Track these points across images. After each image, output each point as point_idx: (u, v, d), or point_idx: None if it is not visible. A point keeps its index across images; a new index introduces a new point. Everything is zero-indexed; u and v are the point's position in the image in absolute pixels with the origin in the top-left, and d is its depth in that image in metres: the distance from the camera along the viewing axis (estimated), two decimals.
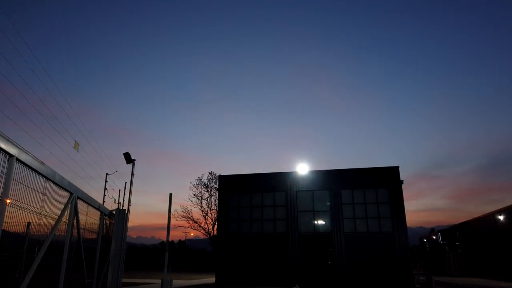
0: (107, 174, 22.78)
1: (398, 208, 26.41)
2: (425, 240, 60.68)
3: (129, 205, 21.23)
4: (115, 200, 23.27)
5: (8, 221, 6.30)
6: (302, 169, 29.01)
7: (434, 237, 54.35)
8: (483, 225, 41.21)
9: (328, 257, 26.53)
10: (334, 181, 28.01)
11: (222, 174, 31.11)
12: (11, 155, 6.32)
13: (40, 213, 7.90)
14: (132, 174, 22.68)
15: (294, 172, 28.97)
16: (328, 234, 26.88)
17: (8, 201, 6.19)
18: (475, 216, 32.28)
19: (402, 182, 27.09)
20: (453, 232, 48.18)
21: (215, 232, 44.36)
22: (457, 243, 46.69)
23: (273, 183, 29.02)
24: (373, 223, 26.69)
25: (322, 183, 28.18)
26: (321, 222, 27.60)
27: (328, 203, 27.64)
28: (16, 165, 6.51)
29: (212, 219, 49.61)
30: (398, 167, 27.61)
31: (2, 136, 5.97)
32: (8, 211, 6.24)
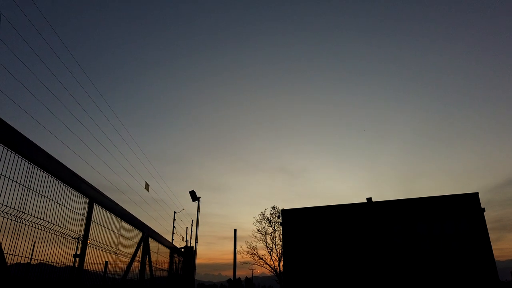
0: (175, 212, 23.63)
1: (482, 239, 23.82)
2: None
3: (196, 242, 21.65)
4: (183, 238, 23.91)
5: (89, 261, 6.68)
6: (370, 200, 27.68)
7: None
8: None
9: None
10: (407, 211, 26.24)
11: (285, 208, 30.72)
12: (90, 198, 6.81)
13: (116, 252, 8.30)
14: (198, 212, 23.29)
15: (362, 203, 27.73)
16: (402, 270, 24.87)
17: (89, 241, 6.61)
18: None
19: (483, 209, 24.58)
20: None
21: (281, 269, 43.27)
22: None
23: (339, 216, 27.95)
24: (453, 257, 24.26)
25: (394, 213, 26.53)
26: (394, 257, 25.71)
27: (401, 236, 25.80)
28: (94, 207, 6.99)
29: (277, 255, 48.66)
30: (477, 193, 25.22)
31: (82, 181, 6.47)
32: (88, 251, 6.64)
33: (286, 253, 28.50)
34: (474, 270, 23.38)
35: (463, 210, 24.93)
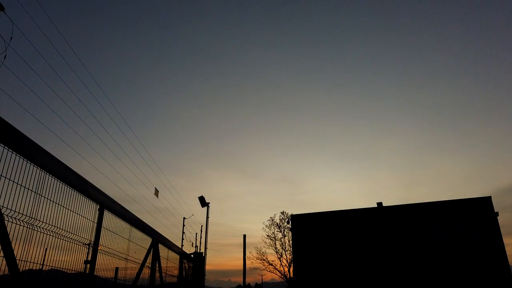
0: (184, 218, 23.67)
1: (496, 244, 23.37)
2: None
3: (205, 248, 21.63)
4: (192, 243, 23.91)
5: (99, 267, 6.71)
6: (380, 204, 27.41)
7: None
8: None
9: None
10: (419, 215, 25.91)
11: (294, 213, 30.56)
12: (101, 204, 6.85)
13: (127, 258, 8.32)
14: (207, 217, 23.29)
15: (372, 207, 27.46)
16: (414, 276, 24.50)
17: (99, 248, 6.64)
18: None
19: (497, 214, 24.15)
20: None
21: (291, 275, 42.96)
22: None
23: (349, 220, 27.71)
24: (466, 262, 23.83)
25: (405, 218, 26.21)
26: (405, 262, 25.36)
27: (412, 240, 25.46)
28: (105, 213, 7.03)
29: (287, 261, 48.35)
30: (490, 197, 24.81)
31: (92, 187, 6.52)
32: (99, 257, 6.67)
33: (296, 259, 28.30)
34: (487, 276, 22.93)
35: (475, 214, 24.54)
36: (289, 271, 47.49)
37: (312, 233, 28.40)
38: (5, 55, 6.85)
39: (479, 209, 24.56)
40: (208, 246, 22.53)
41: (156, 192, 16.89)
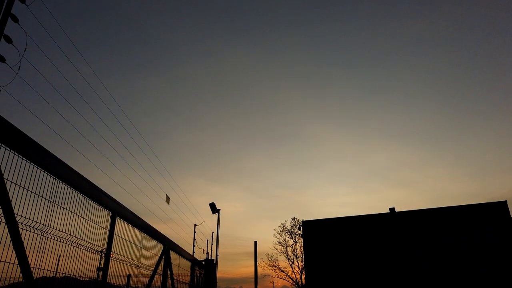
0: (195, 225, 23.71)
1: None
2: None
3: (217, 254, 21.60)
4: (203, 250, 23.91)
5: (112, 274, 6.74)
6: (393, 210, 27.07)
7: None
8: None
9: None
10: (432, 221, 25.50)
11: (306, 219, 30.34)
12: (113, 211, 6.90)
13: (138, 265, 8.35)
14: (218, 224, 23.29)
15: (385, 213, 27.13)
16: (427, 283, 24.04)
17: (112, 255, 6.68)
18: None
19: None
20: None
21: (303, 281, 42.58)
22: None
23: (362, 227, 27.40)
24: (482, 268, 23.31)
25: (419, 224, 25.82)
26: (418, 268, 24.93)
27: (426, 247, 25.03)
28: (117, 220, 7.08)
29: (299, 268, 47.94)
30: (505, 201, 24.29)
31: (104, 195, 6.57)
32: (111, 264, 6.71)
33: (308, 265, 28.05)
34: (504, 282, 22.39)
35: (491, 219, 24.05)
36: (301, 277, 47.06)
37: (324, 239, 28.14)
38: (19, 66, 6.99)
39: (495, 214, 24.06)
40: (218, 253, 22.49)
41: (167, 199, 16.98)
